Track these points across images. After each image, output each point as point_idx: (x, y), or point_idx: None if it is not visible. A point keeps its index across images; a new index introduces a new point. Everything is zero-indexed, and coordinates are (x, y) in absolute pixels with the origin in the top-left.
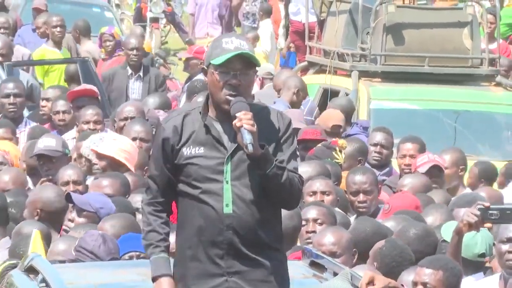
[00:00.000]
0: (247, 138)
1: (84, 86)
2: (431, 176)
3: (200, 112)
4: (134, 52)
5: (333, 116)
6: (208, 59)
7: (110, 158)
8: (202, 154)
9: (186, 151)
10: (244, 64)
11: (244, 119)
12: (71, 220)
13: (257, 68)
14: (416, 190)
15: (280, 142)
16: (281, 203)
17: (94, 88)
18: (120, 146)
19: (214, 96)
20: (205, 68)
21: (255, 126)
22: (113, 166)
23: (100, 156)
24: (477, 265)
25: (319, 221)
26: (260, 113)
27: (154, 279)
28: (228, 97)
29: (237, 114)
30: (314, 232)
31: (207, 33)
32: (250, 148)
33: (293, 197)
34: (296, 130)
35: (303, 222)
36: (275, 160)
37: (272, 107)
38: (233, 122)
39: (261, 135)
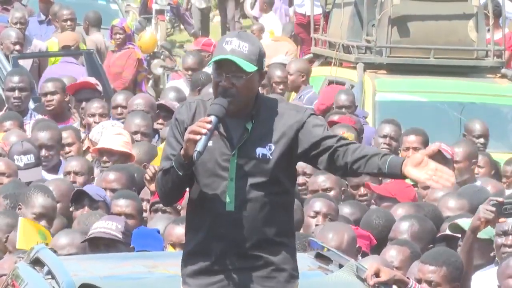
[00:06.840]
0: None
1: (84, 78)
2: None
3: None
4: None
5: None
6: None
7: (119, 152)
8: (210, 147)
9: None
10: (237, 67)
11: None
12: None
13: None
14: None
15: (319, 134)
16: None
17: (93, 80)
18: (123, 138)
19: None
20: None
21: None
22: (122, 159)
23: (110, 152)
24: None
25: (329, 216)
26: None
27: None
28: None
29: None
30: None
31: None
32: None
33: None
34: None
35: (312, 214)
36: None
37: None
38: None
39: (306, 136)
